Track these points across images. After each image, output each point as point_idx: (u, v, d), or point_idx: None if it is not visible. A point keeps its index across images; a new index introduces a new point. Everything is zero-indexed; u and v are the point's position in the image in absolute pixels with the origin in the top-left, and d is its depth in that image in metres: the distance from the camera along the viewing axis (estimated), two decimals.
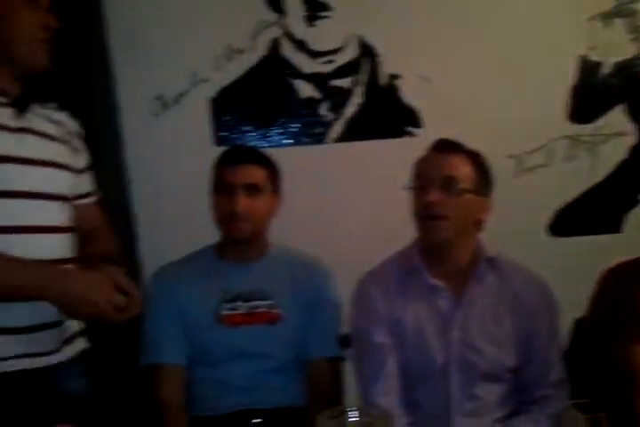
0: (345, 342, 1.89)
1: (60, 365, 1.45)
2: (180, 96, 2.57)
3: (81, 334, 1.53)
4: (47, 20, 1.44)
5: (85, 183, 1.62)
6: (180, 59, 2.54)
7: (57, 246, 1.45)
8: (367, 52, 2.65)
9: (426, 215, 1.66)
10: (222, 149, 2.44)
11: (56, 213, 1.47)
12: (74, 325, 1.51)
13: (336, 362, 1.94)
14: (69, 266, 1.47)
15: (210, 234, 1.92)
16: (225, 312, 1.85)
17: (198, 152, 2.52)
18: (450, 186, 1.65)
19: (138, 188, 2.54)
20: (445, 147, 1.71)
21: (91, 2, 2.39)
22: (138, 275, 2.40)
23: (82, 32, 2.31)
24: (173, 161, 2.55)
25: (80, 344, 1.53)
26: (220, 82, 2.58)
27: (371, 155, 2.63)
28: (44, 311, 1.40)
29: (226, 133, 2.60)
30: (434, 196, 1.64)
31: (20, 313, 1.37)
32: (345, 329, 1.91)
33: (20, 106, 1.43)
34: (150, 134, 2.56)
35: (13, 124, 1.40)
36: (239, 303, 1.86)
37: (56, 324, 1.44)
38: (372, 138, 2.64)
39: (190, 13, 2.53)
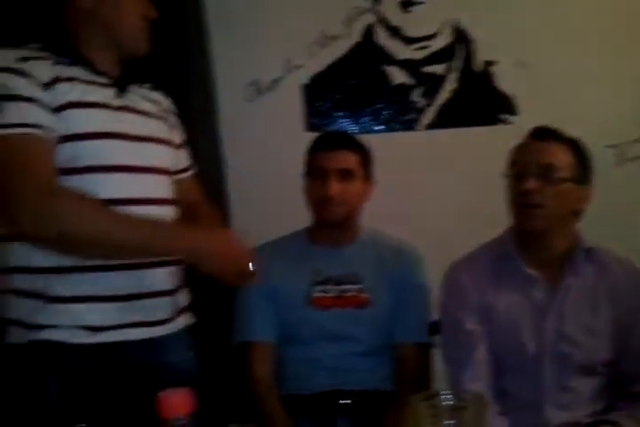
0: (434, 328, 1.89)
1: (173, 335, 1.50)
2: (274, 82, 2.60)
3: (188, 308, 1.58)
4: (149, 11, 1.50)
5: (183, 158, 1.67)
6: (274, 45, 2.58)
7: (164, 218, 1.49)
8: (462, 37, 2.62)
9: (522, 203, 1.63)
10: (314, 134, 2.50)
11: (160, 186, 1.52)
12: (184, 297, 1.56)
13: (425, 348, 1.94)
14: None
15: (300, 218, 1.95)
16: (315, 295, 1.88)
17: (291, 138, 2.56)
18: (548, 174, 1.62)
19: (232, 170, 2.60)
20: (543, 134, 1.68)
21: None
22: None
23: (182, 16, 2.37)
24: (266, 146, 2.59)
25: (188, 318, 1.58)
26: (313, 68, 2.61)
27: (464, 142, 2.60)
28: (157, 279, 1.45)
29: (318, 119, 2.63)
30: (531, 184, 1.61)
31: (131, 280, 1.42)
32: (434, 315, 1.91)
33: (121, 86, 1.49)
34: (244, 119, 2.60)
35: (115, 102, 1.46)
36: (329, 286, 1.89)
37: (169, 293, 1.49)
38: (465, 125, 2.62)
39: (285, 0, 2.56)
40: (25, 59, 1.36)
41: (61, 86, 1.37)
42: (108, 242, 1.31)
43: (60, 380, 1.38)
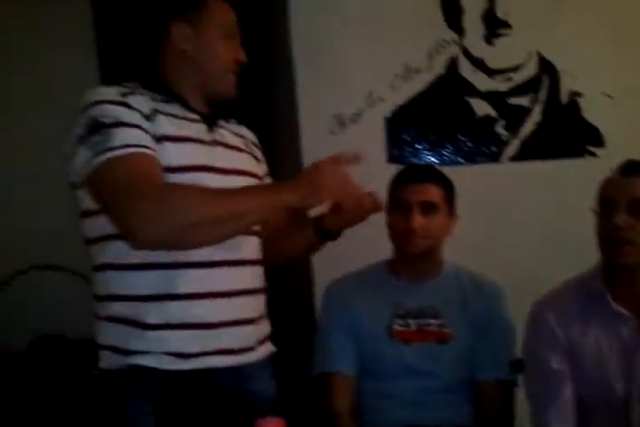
0: (517, 366, 1.84)
1: (257, 363, 1.53)
2: (356, 115, 2.63)
3: (270, 337, 1.60)
4: (240, 55, 1.55)
5: None
6: (357, 78, 2.60)
7: (248, 247, 1.54)
8: (547, 69, 2.59)
9: (612, 239, 1.59)
10: (396, 166, 2.51)
11: None
12: (267, 326, 1.58)
13: (508, 386, 1.89)
14: (258, 267, 1.57)
15: (380, 249, 1.95)
16: (396, 328, 1.87)
17: (373, 170, 2.56)
18: (638, 210, 1.57)
19: None
20: (633, 168, 1.64)
21: (277, 20, 2.50)
22: (310, 286, 2.48)
23: (268, 49, 2.42)
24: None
25: (270, 346, 1.60)
26: (395, 101, 2.62)
27: (548, 174, 2.57)
28: (241, 308, 1.48)
29: (400, 152, 2.63)
30: (621, 220, 1.57)
31: (219, 309, 1.45)
32: (518, 353, 1.87)
33: (211, 122, 1.54)
34: (327, 152, 2.61)
35: (206, 137, 1.52)
36: (410, 320, 1.87)
37: (253, 321, 1.51)
38: (549, 157, 2.58)
39: (369, 33, 2.59)
40: (126, 93, 1.44)
41: (159, 119, 1.44)
42: (215, 217, 1.35)
43: (151, 404, 1.42)
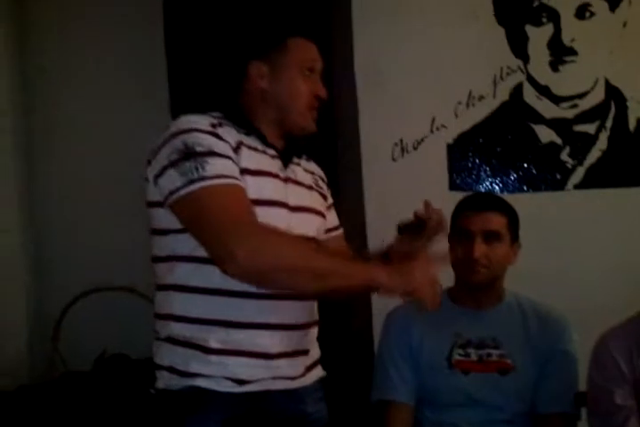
0: (580, 400, 1.80)
1: (308, 387, 1.55)
2: (418, 141, 2.63)
3: (319, 362, 1.61)
4: (320, 91, 1.56)
5: (332, 218, 1.73)
6: (421, 104, 2.61)
7: None
8: (614, 95, 2.56)
9: None
10: (458, 194, 2.50)
11: None
12: (316, 352, 1.60)
13: (570, 419, 1.85)
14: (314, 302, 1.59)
15: (443, 276, 1.93)
16: (456, 357, 1.85)
17: (435, 197, 2.54)
18: None
19: (373, 229, 2.62)
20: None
21: (341, 46, 2.52)
22: (368, 312, 2.47)
23: (331, 73, 2.44)
24: (409, 205, 2.60)
25: (319, 371, 1.61)
26: (458, 127, 2.62)
27: (613, 203, 2.52)
28: (298, 340, 1.51)
29: (463, 178, 2.62)
30: None
31: (279, 340, 1.48)
32: (581, 386, 1.83)
33: (286, 159, 1.58)
34: (388, 179, 2.64)
35: (282, 174, 1.56)
36: (471, 350, 1.85)
37: (305, 352, 1.54)
38: (615, 185, 2.54)
39: (433, 60, 2.60)
40: (216, 124, 1.48)
41: (244, 152, 1.48)
42: (309, 270, 1.39)
43: (211, 424, 1.44)
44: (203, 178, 1.39)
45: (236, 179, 1.43)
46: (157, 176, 1.45)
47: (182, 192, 1.40)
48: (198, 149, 1.42)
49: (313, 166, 1.70)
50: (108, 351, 2.32)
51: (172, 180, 1.41)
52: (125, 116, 2.65)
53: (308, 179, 1.63)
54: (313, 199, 1.62)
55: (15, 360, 2.54)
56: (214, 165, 1.41)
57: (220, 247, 1.37)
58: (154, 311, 1.53)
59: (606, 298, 2.36)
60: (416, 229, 1.59)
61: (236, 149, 1.47)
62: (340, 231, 1.76)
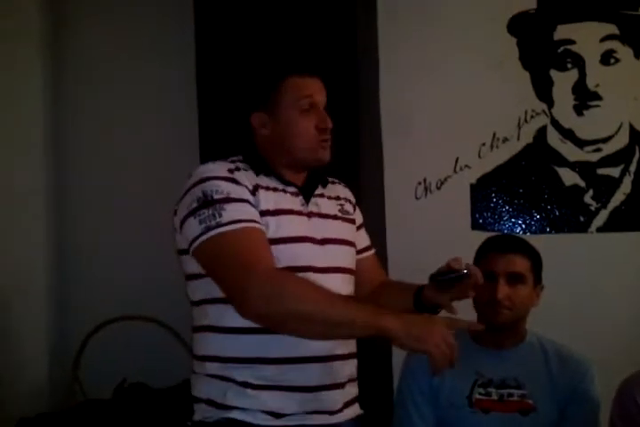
0: None
1: (344, 423, 1.55)
2: (442, 181, 2.66)
3: (357, 399, 1.62)
4: (322, 123, 1.58)
5: (362, 239, 1.75)
6: (444, 145, 2.64)
7: None
8: (638, 140, 2.58)
9: None
10: (481, 233, 2.51)
11: (342, 285, 1.59)
12: (354, 388, 1.60)
13: None
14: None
15: (463, 316, 1.94)
16: (477, 396, 1.84)
17: (456, 236, 2.58)
18: None
19: (395, 267, 2.63)
20: None
21: (366, 86, 2.54)
22: (388, 349, 2.46)
23: (356, 113, 2.49)
24: (432, 243, 2.62)
25: (357, 409, 1.61)
26: (481, 168, 2.64)
27: (637, 246, 2.53)
28: (332, 373, 1.52)
29: (485, 219, 2.64)
30: None
31: (312, 373, 1.49)
32: None
33: (307, 194, 1.61)
34: (411, 217, 2.66)
35: (304, 209, 1.59)
36: (492, 389, 1.85)
37: (341, 385, 1.54)
38: (639, 229, 2.54)
39: (458, 102, 2.63)
40: (232, 170, 1.53)
41: (261, 194, 1.52)
42: (323, 319, 1.39)
43: None
44: (219, 225, 1.44)
45: (253, 221, 1.47)
46: (181, 225, 1.50)
47: (201, 239, 1.45)
48: (216, 196, 1.47)
49: (339, 190, 1.71)
50: (129, 381, 2.33)
51: (192, 228, 1.47)
52: (156, 158, 2.71)
53: (332, 208, 1.65)
54: (340, 229, 1.64)
55: (35, 387, 2.55)
56: (231, 211, 1.45)
57: (236, 292, 1.42)
58: (192, 353, 1.59)
59: (629, 341, 2.35)
60: (449, 281, 1.57)
61: (254, 192, 1.51)
62: (372, 252, 1.78)
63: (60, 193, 2.76)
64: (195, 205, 1.48)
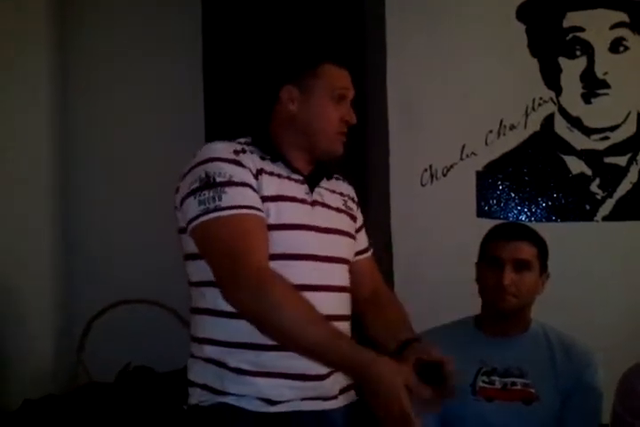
0: None
1: (339, 409, 1.55)
2: (448, 168, 2.65)
3: (352, 387, 1.61)
4: (349, 116, 1.59)
5: (362, 240, 1.75)
6: (452, 132, 2.63)
7: (339, 304, 1.57)
8: None
9: None
10: (485, 220, 2.51)
11: (341, 275, 1.60)
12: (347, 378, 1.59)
13: None
14: (348, 323, 1.59)
15: (468, 304, 1.94)
16: (481, 384, 1.85)
17: (462, 223, 2.58)
18: None
19: (400, 254, 2.63)
20: None
21: (373, 72, 2.53)
22: None
23: (364, 99, 2.47)
24: (437, 230, 2.62)
25: (352, 395, 1.61)
26: (488, 156, 2.63)
27: None
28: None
29: (490, 206, 2.63)
30: None
31: (309, 360, 1.45)
32: (604, 418, 1.82)
33: (312, 183, 1.60)
34: (417, 204, 2.65)
35: (308, 198, 1.58)
36: (495, 377, 1.85)
37: (333, 373, 1.54)
38: None
39: (465, 89, 2.62)
40: (239, 151, 1.52)
41: (264, 179, 1.51)
42: (296, 338, 1.38)
43: None
44: (218, 208, 1.44)
45: (253, 208, 1.46)
46: (181, 204, 1.50)
47: (198, 221, 1.45)
48: (218, 178, 1.46)
49: (343, 187, 1.71)
50: (133, 364, 2.34)
51: (191, 208, 1.46)
52: (162, 137, 2.71)
53: (336, 201, 1.65)
54: (342, 221, 1.64)
55: (40, 369, 2.56)
56: (231, 195, 1.44)
57: (225, 280, 1.43)
58: (190, 334, 1.57)
59: (633, 331, 2.35)
60: (431, 373, 1.44)
61: (257, 176, 1.50)
62: (369, 254, 1.77)
63: (67, 174, 2.76)
64: (196, 184, 1.47)
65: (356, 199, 1.74)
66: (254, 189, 1.48)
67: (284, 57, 1.70)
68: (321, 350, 1.38)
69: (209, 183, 1.46)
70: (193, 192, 1.47)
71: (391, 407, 1.30)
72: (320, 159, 1.62)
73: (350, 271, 1.65)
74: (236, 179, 1.47)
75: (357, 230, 1.73)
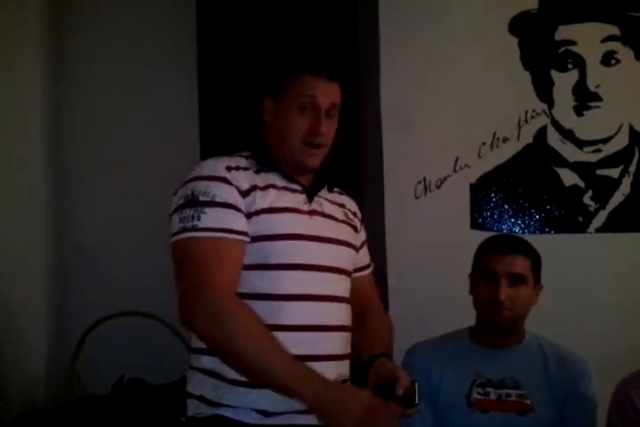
0: None
1: None
2: (442, 180, 2.66)
3: None
4: (314, 127, 1.54)
5: (363, 256, 1.76)
6: (445, 144, 2.65)
7: (338, 314, 1.57)
8: (638, 141, 2.59)
9: None
10: (479, 232, 2.52)
11: (338, 285, 1.60)
12: None
13: None
14: (347, 334, 1.59)
15: (463, 316, 1.95)
16: (476, 396, 1.85)
17: (455, 235, 2.59)
18: None
19: (394, 265, 2.63)
20: None
21: (367, 85, 2.54)
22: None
23: (357, 112, 2.49)
24: (430, 242, 2.62)
25: None
26: (481, 168, 2.65)
27: (635, 247, 2.53)
28: (323, 373, 1.48)
29: (484, 218, 2.64)
30: None
31: None
32: None
33: (310, 193, 1.61)
34: (410, 216, 2.66)
35: (305, 207, 1.58)
36: (490, 389, 1.85)
37: None
38: (637, 230, 2.56)
39: (459, 101, 2.64)
40: (231, 168, 1.53)
41: (258, 195, 1.52)
42: (249, 363, 1.41)
43: None
44: (194, 228, 1.45)
45: (230, 231, 1.47)
46: (170, 219, 1.52)
47: (175, 238, 1.48)
48: (201, 197, 1.47)
49: (344, 200, 1.72)
50: (127, 376, 2.33)
51: (173, 224, 1.49)
52: (159, 138, 2.71)
53: (336, 211, 1.65)
54: (343, 231, 1.64)
55: (33, 382, 2.55)
56: (210, 216, 1.46)
57: (184, 303, 1.44)
58: (190, 346, 1.59)
59: (626, 341, 2.36)
60: (387, 390, 1.49)
61: (249, 192, 1.50)
62: (369, 271, 1.78)
63: (63, 185, 2.76)
64: (181, 202, 1.49)
65: (358, 214, 1.75)
66: (238, 209, 1.49)
67: (263, 70, 1.72)
68: (273, 378, 1.39)
69: (192, 201, 1.48)
70: (177, 209, 1.50)
71: (353, 423, 1.34)
72: (299, 171, 1.61)
73: (351, 284, 1.65)
74: (218, 199, 1.48)
75: (360, 247, 1.73)
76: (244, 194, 1.50)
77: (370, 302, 1.74)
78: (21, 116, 2.59)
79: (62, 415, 2.19)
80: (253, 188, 1.52)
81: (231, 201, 1.48)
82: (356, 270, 1.71)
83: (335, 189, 1.71)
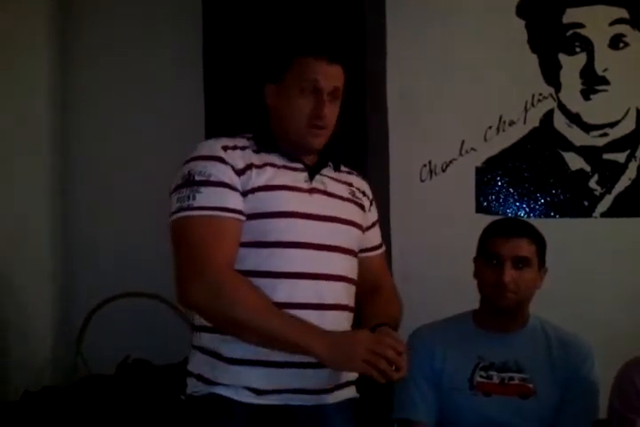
0: None
1: (334, 405, 1.56)
2: (447, 164, 2.66)
3: (353, 383, 1.62)
4: (316, 110, 1.55)
5: (373, 237, 1.75)
6: (451, 128, 2.64)
7: (334, 294, 1.57)
8: None
9: None
10: (484, 216, 2.52)
11: (342, 264, 1.60)
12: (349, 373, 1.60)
13: None
14: (346, 313, 1.59)
15: (467, 299, 1.95)
16: (478, 379, 1.85)
17: (460, 218, 2.59)
18: None
19: (398, 249, 2.63)
20: None
21: (373, 67, 2.53)
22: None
23: (364, 96, 2.47)
24: (435, 225, 2.62)
25: (351, 392, 1.62)
26: (487, 151, 2.64)
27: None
28: None
29: (489, 202, 2.64)
30: None
31: None
32: (602, 414, 1.83)
33: (311, 172, 1.61)
34: (416, 199, 2.66)
35: (305, 185, 1.58)
36: (493, 372, 1.86)
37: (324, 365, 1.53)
38: None
39: (465, 84, 2.63)
40: (228, 147, 1.54)
41: (253, 173, 1.52)
42: (255, 330, 1.43)
43: None
44: (190, 207, 1.47)
45: (225, 209, 1.48)
46: (170, 199, 1.54)
47: (173, 218, 1.50)
48: (197, 177, 1.49)
49: (353, 179, 1.71)
50: (132, 357, 2.35)
51: (171, 204, 1.52)
52: (162, 135, 2.71)
53: (341, 190, 1.64)
54: (347, 210, 1.63)
55: (39, 361, 2.57)
56: (205, 195, 1.48)
57: (181, 280, 1.46)
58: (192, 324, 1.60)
59: (631, 326, 2.37)
60: None
61: (244, 170, 1.51)
62: (379, 252, 1.77)
63: (66, 170, 2.77)
64: (179, 182, 1.52)
65: (367, 193, 1.74)
66: (233, 188, 1.50)
67: (264, 57, 1.73)
68: (285, 341, 1.42)
69: (188, 181, 1.50)
70: (175, 189, 1.52)
71: (366, 355, 1.38)
72: (301, 151, 1.61)
73: (358, 265, 1.65)
74: (213, 178, 1.49)
75: (370, 227, 1.73)
76: (240, 173, 1.51)
77: (379, 283, 1.74)
78: (23, 114, 2.58)
79: (68, 394, 2.21)
80: (249, 166, 1.52)
81: (227, 180, 1.50)
82: (364, 251, 1.70)
83: (344, 169, 1.70)
